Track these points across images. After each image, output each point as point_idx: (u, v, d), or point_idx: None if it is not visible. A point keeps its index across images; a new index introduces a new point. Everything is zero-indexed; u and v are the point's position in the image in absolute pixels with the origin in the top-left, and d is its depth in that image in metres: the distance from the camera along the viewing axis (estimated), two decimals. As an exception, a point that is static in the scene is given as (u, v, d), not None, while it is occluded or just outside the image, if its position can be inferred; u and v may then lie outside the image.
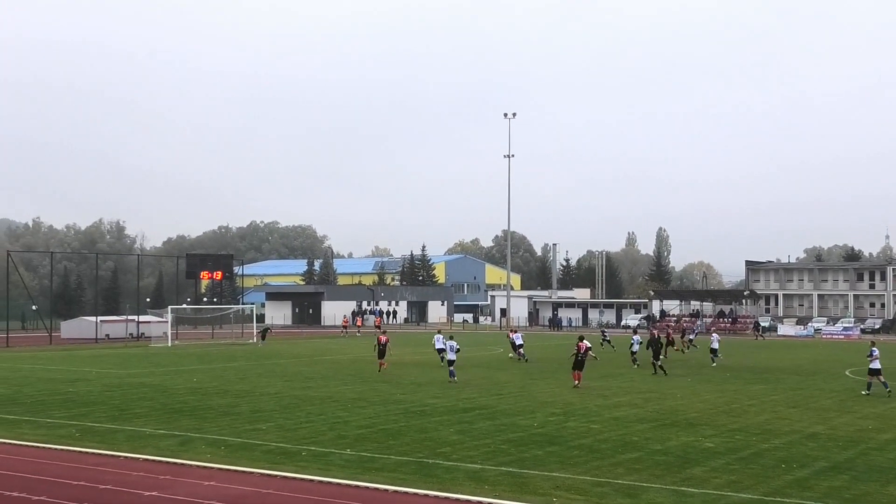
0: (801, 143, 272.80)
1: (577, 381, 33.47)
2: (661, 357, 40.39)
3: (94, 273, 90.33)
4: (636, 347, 44.02)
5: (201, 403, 28.45)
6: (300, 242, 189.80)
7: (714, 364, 45.18)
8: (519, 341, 48.16)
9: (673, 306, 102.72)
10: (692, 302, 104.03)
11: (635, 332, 47.77)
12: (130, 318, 77.65)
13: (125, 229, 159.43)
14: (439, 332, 47.63)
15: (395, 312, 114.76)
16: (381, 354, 40.15)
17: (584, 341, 34.65)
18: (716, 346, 47.23)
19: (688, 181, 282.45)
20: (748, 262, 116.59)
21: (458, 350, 37.31)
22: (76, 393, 31.87)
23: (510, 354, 49.24)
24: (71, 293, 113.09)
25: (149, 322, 75.44)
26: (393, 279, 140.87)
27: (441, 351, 42.47)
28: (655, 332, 45.22)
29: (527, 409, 26.98)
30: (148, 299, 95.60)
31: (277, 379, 37.22)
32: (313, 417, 25.15)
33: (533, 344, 65.73)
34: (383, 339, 40.81)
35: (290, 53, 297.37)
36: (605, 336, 61.53)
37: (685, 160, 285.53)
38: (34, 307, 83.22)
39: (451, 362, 36.60)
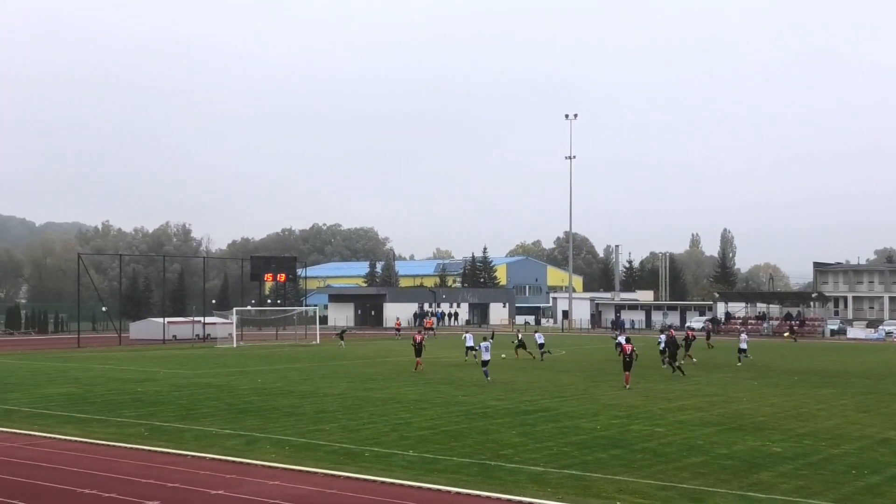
0: (865, 138, 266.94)
1: (626, 383, 33.53)
2: (676, 359, 40.73)
3: (161, 275, 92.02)
4: (663, 346, 44.25)
5: (266, 404, 28.81)
6: (362, 245, 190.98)
7: (740, 364, 45.93)
8: (541, 340, 50.80)
9: (738, 308, 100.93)
10: (758, 304, 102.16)
11: (662, 332, 48.41)
12: (197, 319, 78.94)
13: (191, 232, 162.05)
14: (467, 331, 51.82)
15: (456, 314, 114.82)
16: (418, 353, 40.46)
17: (630, 343, 35.61)
18: (744, 346, 48.17)
19: (752, 180, 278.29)
20: (816, 264, 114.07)
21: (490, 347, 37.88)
22: (145, 393, 32.52)
23: (503, 355, 50.09)
24: (139, 295, 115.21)
25: (214, 323, 76.48)
26: (454, 281, 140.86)
27: (470, 349, 45.74)
28: (673, 333, 45.54)
29: (590, 412, 26.81)
30: (213, 301, 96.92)
31: (340, 380, 37.52)
32: (376, 418, 25.30)
33: (596, 346, 65.29)
34: (418, 337, 41.11)
35: (355, 57, 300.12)
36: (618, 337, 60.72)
37: (749, 159, 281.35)
38: (104, 308, 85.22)
39: (485, 362, 36.80)
